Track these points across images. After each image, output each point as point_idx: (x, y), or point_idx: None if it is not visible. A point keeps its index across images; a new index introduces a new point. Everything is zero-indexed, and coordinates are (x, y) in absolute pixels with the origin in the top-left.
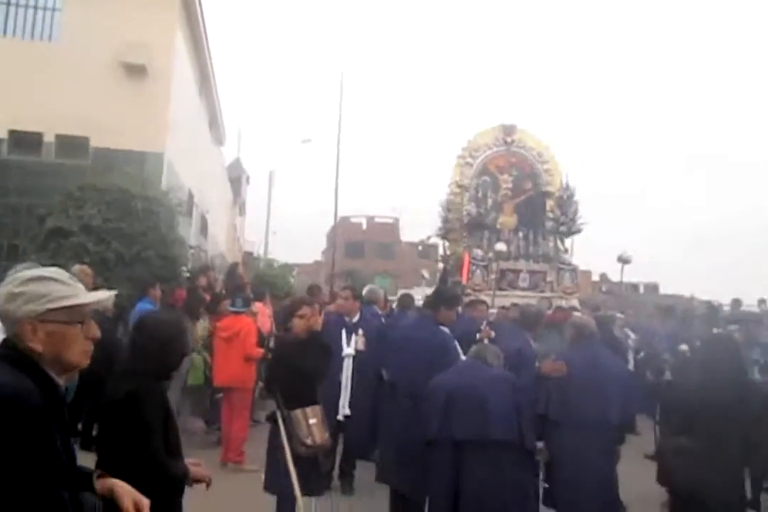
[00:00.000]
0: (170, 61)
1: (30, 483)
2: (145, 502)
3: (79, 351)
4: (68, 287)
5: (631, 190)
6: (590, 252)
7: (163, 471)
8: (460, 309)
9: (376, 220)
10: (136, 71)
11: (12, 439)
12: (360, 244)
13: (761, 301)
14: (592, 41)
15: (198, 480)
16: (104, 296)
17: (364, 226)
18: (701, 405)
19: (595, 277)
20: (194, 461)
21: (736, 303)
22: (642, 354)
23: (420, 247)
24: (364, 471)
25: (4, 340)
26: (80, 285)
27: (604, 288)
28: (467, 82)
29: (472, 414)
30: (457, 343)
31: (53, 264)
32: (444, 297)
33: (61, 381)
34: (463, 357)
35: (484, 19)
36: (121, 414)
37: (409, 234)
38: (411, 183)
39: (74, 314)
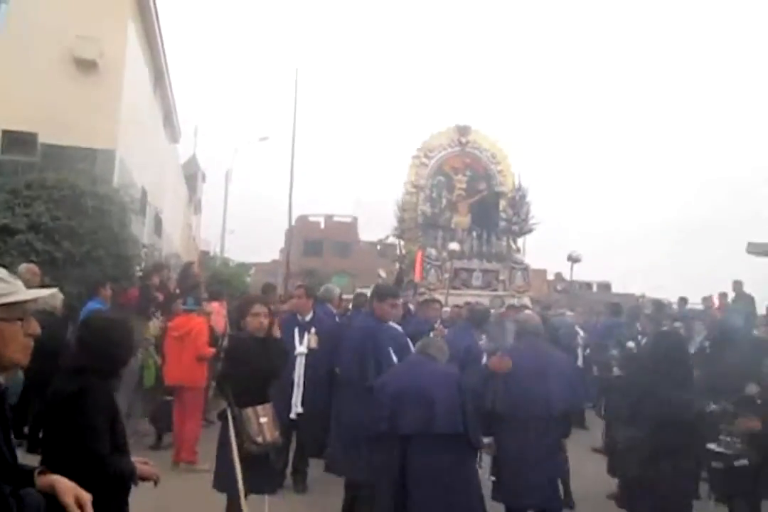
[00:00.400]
0: (122, 56)
1: None
2: (87, 497)
3: (19, 348)
4: (7, 284)
5: (586, 187)
6: (545, 251)
7: (107, 468)
8: (412, 307)
9: (335, 218)
10: (86, 66)
11: None
12: (318, 243)
13: (682, 300)
14: (542, 39)
15: (145, 479)
16: (44, 293)
17: (323, 225)
18: (648, 398)
19: (550, 276)
20: (142, 459)
21: (683, 301)
22: (589, 350)
23: (378, 247)
24: (318, 469)
25: None
26: (20, 283)
27: (558, 287)
28: (425, 81)
29: (418, 409)
30: (408, 340)
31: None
32: (375, 292)
33: (0, 378)
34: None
35: (441, 18)
36: (66, 412)
37: (368, 233)
38: (371, 181)
39: (13, 311)
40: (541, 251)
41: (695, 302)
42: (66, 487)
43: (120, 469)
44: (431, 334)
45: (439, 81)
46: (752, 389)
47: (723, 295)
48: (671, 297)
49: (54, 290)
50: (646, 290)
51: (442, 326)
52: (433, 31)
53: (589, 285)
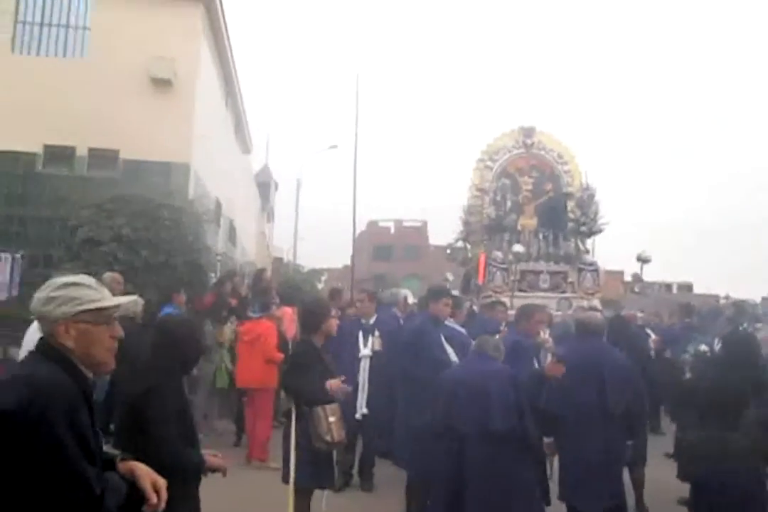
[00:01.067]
0: (195, 73)
1: (63, 460)
2: (162, 482)
3: (105, 348)
4: (96, 292)
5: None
6: (618, 253)
7: (178, 459)
8: (476, 308)
9: (404, 223)
10: (162, 84)
11: (47, 422)
12: (388, 248)
13: (765, 300)
14: (605, 42)
15: (215, 470)
16: (126, 300)
17: (392, 230)
18: (715, 400)
19: (628, 277)
20: (212, 452)
21: (766, 301)
22: (669, 353)
23: (448, 250)
24: (384, 470)
25: (41, 338)
26: (106, 291)
27: (636, 289)
28: (490, 83)
29: (474, 407)
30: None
31: (86, 273)
32: (429, 292)
33: (89, 374)
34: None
35: (503, 21)
36: (140, 407)
37: (438, 237)
38: (439, 185)
39: (101, 316)
40: (616, 251)
41: None
42: (144, 473)
43: (189, 460)
44: (497, 337)
45: (503, 82)
46: None
47: None
48: (758, 297)
49: (135, 297)
50: (730, 291)
51: (507, 329)
52: (496, 34)
53: (669, 286)
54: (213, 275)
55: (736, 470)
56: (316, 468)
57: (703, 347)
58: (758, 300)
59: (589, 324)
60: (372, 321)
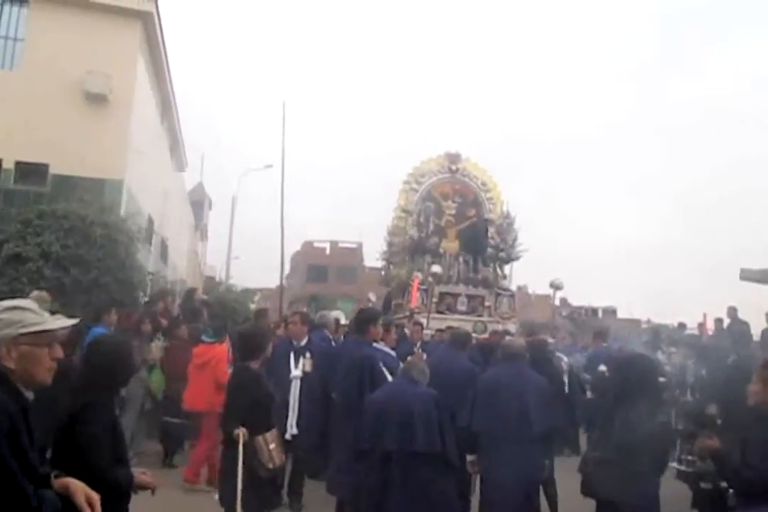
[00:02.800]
0: (131, 89)
1: (2, 476)
2: (96, 497)
3: (45, 368)
4: (38, 315)
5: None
6: (542, 278)
7: (110, 475)
8: (407, 331)
9: (340, 244)
10: (96, 99)
11: None
12: (323, 268)
13: (680, 325)
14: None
15: (144, 487)
16: (68, 323)
17: (328, 251)
18: (614, 421)
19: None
20: (141, 470)
21: (681, 326)
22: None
23: (383, 272)
24: (313, 490)
25: None
26: (47, 314)
27: (563, 313)
28: (420, 110)
29: (400, 427)
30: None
31: (10, 291)
32: (368, 316)
33: (27, 394)
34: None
35: (434, 46)
36: (71, 426)
37: (374, 259)
38: (375, 207)
39: (42, 338)
40: (548, 276)
41: (693, 327)
42: (78, 488)
43: (118, 478)
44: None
45: (433, 111)
46: (712, 409)
47: (718, 321)
48: (676, 322)
49: (75, 320)
50: (651, 315)
51: (420, 350)
52: (424, 60)
53: (594, 310)
54: (143, 294)
55: (632, 491)
56: (256, 494)
57: (602, 367)
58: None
59: (511, 348)
60: (303, 342)
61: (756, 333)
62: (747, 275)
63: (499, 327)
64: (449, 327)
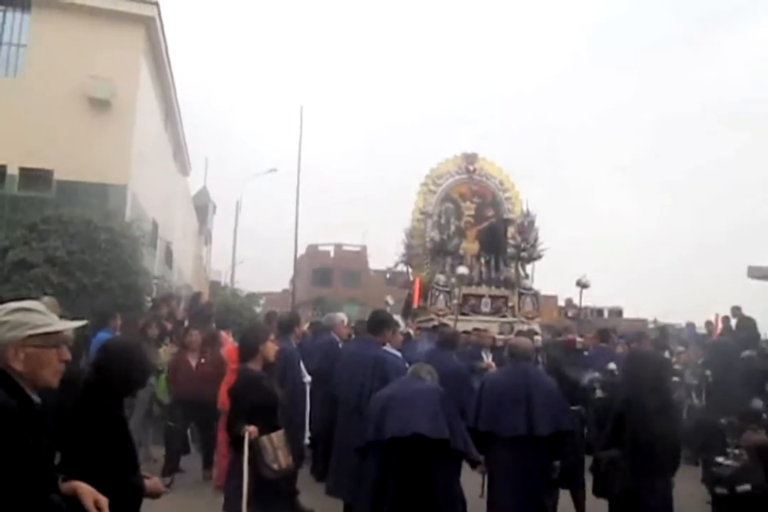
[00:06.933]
0: (135, 95)
1: (9, 481)
2: (104, 501)
3: (53, 370)
4: (45, 317)
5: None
6: (556, 277)
7: (118, 481)
8: (411, 332)
9: (344, 248)
10: (100, 105)
11: None
12: (328, 272)
13: (689, 325)
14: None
15: (152, 495)
16: (75, 325)
17: (332, 254)
18: (628, 418)
19: (561, 302)
20: (148, 475)
21: (690, 326)
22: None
23: (388, 275)
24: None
25: None
26: (55, 316)
27: (569, 314)
28: (433, 110)
29: (403, 414)
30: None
31: (16, 296)
32: (386, 319)
33: (34, 397)
34: None
35: (449, 47)
36: (82, 429)
37: (377, 262)
38: (379, 211)
39: (50, 340)
40: (551, 277)
41: (702, 326)
42: (87, 492)
43: (129, 482)
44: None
45: (448, 109)
46: (757, 404)
47: (725, 319)
48: (683, 321)
49: (83, 322)
50: (658, 315)
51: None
52: (439, 60)
53: (600, 311)
54: (149, 298)
55: (649, 488)
56: (263, 497)
57: (611, 365)
58: (683, 324)
59: (518, 348)
60: None
61: (762, 331)
62: (755, 273)
63: (524, 328)
64: (476, 330)
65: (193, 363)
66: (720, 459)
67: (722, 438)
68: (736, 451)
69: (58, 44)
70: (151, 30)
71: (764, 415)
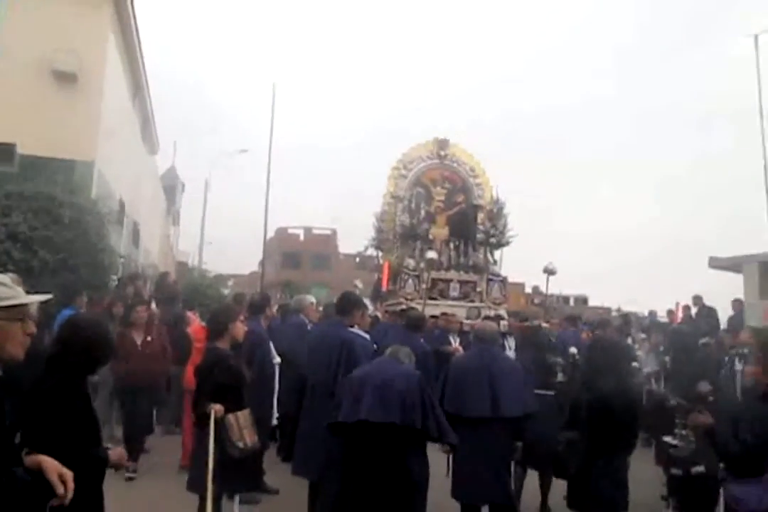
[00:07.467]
0: (102, 69)
1: None
2: (69, 474)
3: (17, 343)
4: (10, 289)
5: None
6: (523, 264)
7: (82, 454)
8: (379, 315)
9: (314, 231)
10: (66, 78)
11: None
12: (297, 255)
13: (650, 313)
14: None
15: (116, 466)
16: (41, 298)
17: (302, 237)
18: (585, 401)
19: (528, 290)
20: (110, 446)
21: (651, 314)
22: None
23: (357, 259)
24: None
25: None
26: (20, 288)
27: (536, 301)
28: (406, 95)
29: (377, 398)
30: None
31: None
32: (356, 301)
33: None
34: None
35: (424, 31)
36: (44, 404)
37: (347, 245)
38: (349, 195)
39: (15, 312)
40: (520, 265)
41: (663, 315)
42: (51, 466)
43: (92, 455)
44: None
45: (421, 95)
46: (704, 386)
47: (686, 308)
48: (646, 309)
49: (48, 296)
50: (622, 303)
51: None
52: (415, 45)
53: (566, 298)
54: (115, 277)
55: (601, 466)
56: (228, 475)
57: (573, 350)
58: (646, 313)
59: (484, 332)
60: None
61: (723, 320)
62: (716, 263)
63: (491, 313)
64: (444, 314)
65: (138, 341)
66: (668, 439)
67: (672, 419)
68: (683, 432)
69: (22, 15)
70: (119, 3)
71: (710, 398)
